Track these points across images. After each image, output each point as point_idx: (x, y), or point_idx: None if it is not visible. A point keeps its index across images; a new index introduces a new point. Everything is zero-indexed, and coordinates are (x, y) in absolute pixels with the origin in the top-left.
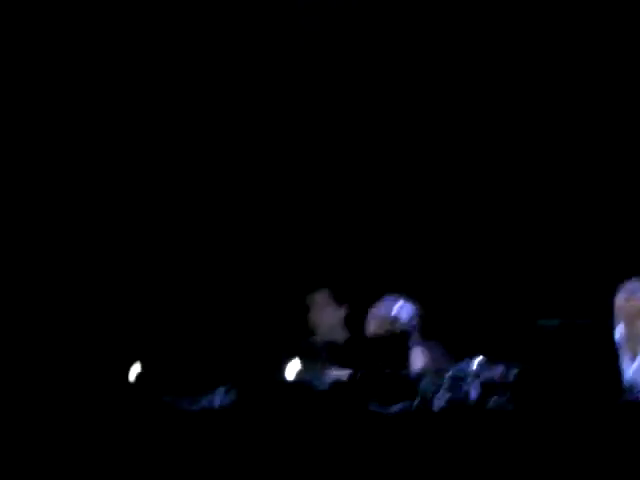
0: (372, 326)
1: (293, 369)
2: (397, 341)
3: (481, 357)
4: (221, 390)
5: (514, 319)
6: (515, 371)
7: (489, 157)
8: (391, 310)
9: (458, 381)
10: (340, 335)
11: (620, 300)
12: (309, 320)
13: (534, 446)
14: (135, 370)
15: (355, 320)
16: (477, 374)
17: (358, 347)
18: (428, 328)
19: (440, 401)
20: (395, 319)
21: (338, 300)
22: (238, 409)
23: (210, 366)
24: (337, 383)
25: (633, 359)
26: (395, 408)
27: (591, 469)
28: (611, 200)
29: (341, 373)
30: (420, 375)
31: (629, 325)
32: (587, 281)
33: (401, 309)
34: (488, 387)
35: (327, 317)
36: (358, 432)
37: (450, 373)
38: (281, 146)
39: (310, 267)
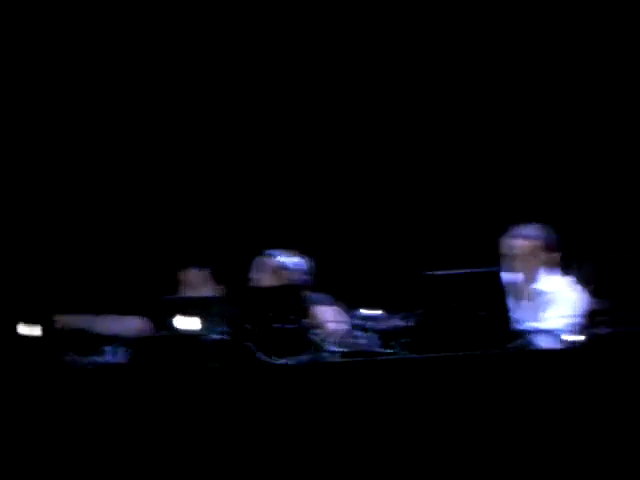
0: (261, 276)
1: (187, 323)
2: (290, 291)
3: (375, 309)
4: (113, 347)
5: (404, 271)
6: (409, 321)
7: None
8: (279, 260)
9: (353, 332)
10: None
11: (507, 244)
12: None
13: (429, 394)
14: (33, 330)
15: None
16: (372, 325)
17: (250, 299)
18: (320, 282)
19: (334, 353)
20: (285, 268)
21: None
22: (133, 364)
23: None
24: (228, 335)
25: (523, 301)
26: (290, 360)
27: (481, 414)
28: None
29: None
30: (312, 326)
31: (521, 267)
32: (474, 231)
33: (290, 260)
34: (384, 337)
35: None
36: (251, 384)
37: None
38: None
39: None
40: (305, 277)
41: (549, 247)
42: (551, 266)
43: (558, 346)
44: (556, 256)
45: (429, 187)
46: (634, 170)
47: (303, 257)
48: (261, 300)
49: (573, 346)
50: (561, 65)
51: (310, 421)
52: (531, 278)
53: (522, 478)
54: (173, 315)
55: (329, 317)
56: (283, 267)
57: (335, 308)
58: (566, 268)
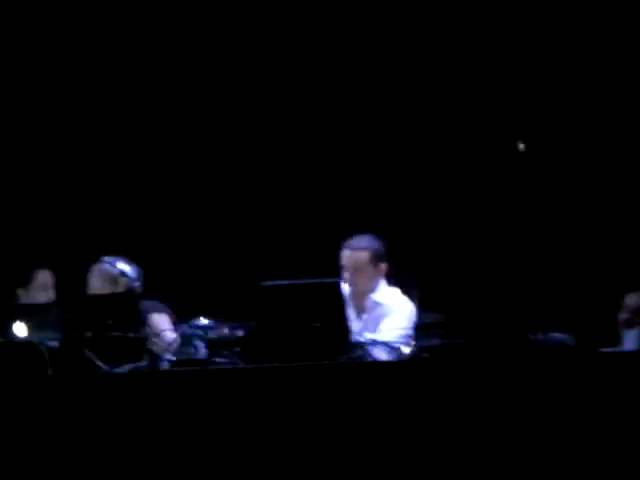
0: (95, 282)
1: (19, 330)
2: (127, 299)
3: (205, 318)
4: None
5: (238, 281)
6: (242, 331)
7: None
8: (114, 267)
9: (185, 341)
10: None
11: (346, 255)
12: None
13: (260, 405)
14: None
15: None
16: (203, 334)
17: (87, 306)
18: (152, 290)
19: (168, 361)
20: (121, 274)
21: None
22: None
23: None
24: (65, 342)
25: (358, 314)
26: (124, 368)
27: (314, 426)
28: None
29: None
30: (148, 335)
31: (354, 280)
32: (312, 241)
33: (127, 268)
34: (215, 346)
35: (42, 296)
36: (87, 392)
37: (177, 333)
38: None
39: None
40: (138, 284)
41: (377, 258)
42: (380, 277)
43: (393, 358)
44: (384, 267)
45: (270, 196)
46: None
47: (133, 264)
48: (98, 307)
49: (408, 357)
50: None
51: (143, 429)
52: (365, 289)
53: None
54: (10, 321)
55: (164, 325)
56: (121, 274)
57: (167, 316)
58: (391, 279)
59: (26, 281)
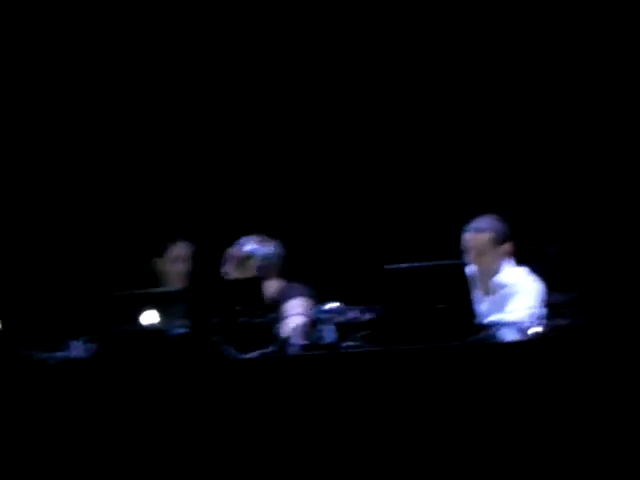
0: (227, 267)
1: (150, 317)
2: (250, 284)
3: (335, 302)
4: (77, 342)
5: (364, 264)
6: (370, 314)
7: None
8: (244, 248)
9: (313, 326)
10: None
11: (468, 237)
12: (160, 271)
13: (389, 388)
14: None
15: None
16: (332, 318)
17: (212, 292)
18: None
19: (295, 346)
20: (248, 256)
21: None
22: (97, 360)
23: (66, 318)
24: (193, 329)
25: (484, 296)
26: (252, 354)
27: (445, 408)
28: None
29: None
30: (275, 320)
31: (478, 261)
32: (436, 224)
33: (256, 246)
34: (344, 330)
35: (177, 268)
36: (215, 379)
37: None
38: None
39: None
40: (273, 265)
41: (500, 239)
42: (504, 257)
43: (521, 338)
44: (508, 247)
45: (392, 180)
46: (593, 160)
47: (275, 243)
48: (225, 293)
49: (535, 338)
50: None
51: (275, 415)
52: (490, 271)
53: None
54: (138, 309)
55: (295, 309)
56: (248, 257)
57: (306, 299)
58: (522, 258)
59: (163, 252)
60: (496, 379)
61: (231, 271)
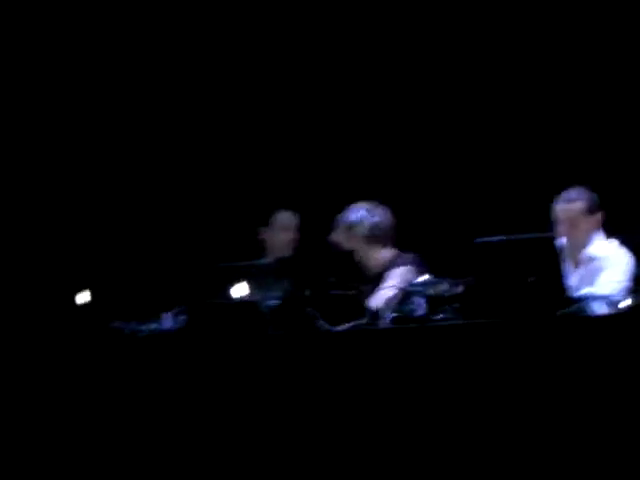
0: (335, 234)
1: (241, 290)
2: (341, 257)
3: (427, 274)
4: (169, 314)
5: (455, 237)
6: (461, 286)
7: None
8: (352, 215)
9: (405, 298)
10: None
11: (559, 209)
12: (264, 240)
13: (481, 361)
14: (83, 296)
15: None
16: (423, 290)
17: (306, 264)
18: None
19: (387, 319)
20: (355, 224)
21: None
22: (188, 331)
23: (158, 290)
24: (286, 301)
25: (574, 268)
26: (344, 326)
27: (535, 380)
28: (542, 117)
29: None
30: (369, 292)
31: (569, 233)
32: (525, 197)
33: (364, 213)
34: (434, 303)
35: (283, 237)
36: (306, 351)
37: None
38: None
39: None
40: (381, 233)
41: (591, 210)
42: (595, 228)
43: (612, 311)
44: (599, 218)
45: (484, 152)
46: None
47: (385, 211)
48: (320, 265)
49: (627, 311)
50: None
51: (365, 388)
52: (579, 243)
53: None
54: (229, 282)
55: (396, 280)
56: (356, 224)
57: (409, 270)
58: (614, 231)
59: (268, 222)
60: (586, 353)
61: (339, 238)
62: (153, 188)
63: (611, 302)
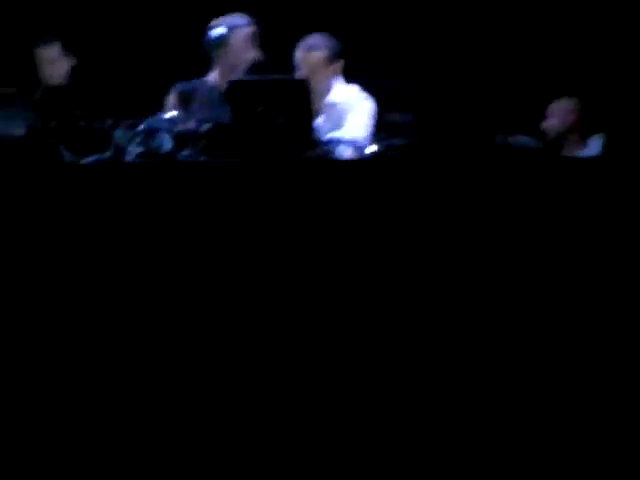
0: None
1: None
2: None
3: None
4: None
5: None
6: (208, 125)
7: None
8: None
9: (151, 134)
10: None
11: (298, 55)
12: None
13: (223, 202)
14: None
15: None
16: (170, 127)
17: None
18: None
19: (132, 154)
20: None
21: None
22: None
23: None
24: (30, 132)
25: (317, 115)
26: (88, 159)
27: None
28: None
29: None
30: (113, 126)
31: (311, 79)
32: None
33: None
34: (180, 140)
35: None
36: (49, 183)
37: (143, 126)
38: None
39: None
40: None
41: (332, 57)
42: (335, 75)
43: (357, 156)
44: (339, 66)
45: None
46: None
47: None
48: (64, 98)
49: (371, 156)
50: None
51: (104, 223)
52: (320, 90)
53: None
54: None
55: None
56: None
57: None
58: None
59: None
60: (331, 197)
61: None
62: None
63: (357, 147)
